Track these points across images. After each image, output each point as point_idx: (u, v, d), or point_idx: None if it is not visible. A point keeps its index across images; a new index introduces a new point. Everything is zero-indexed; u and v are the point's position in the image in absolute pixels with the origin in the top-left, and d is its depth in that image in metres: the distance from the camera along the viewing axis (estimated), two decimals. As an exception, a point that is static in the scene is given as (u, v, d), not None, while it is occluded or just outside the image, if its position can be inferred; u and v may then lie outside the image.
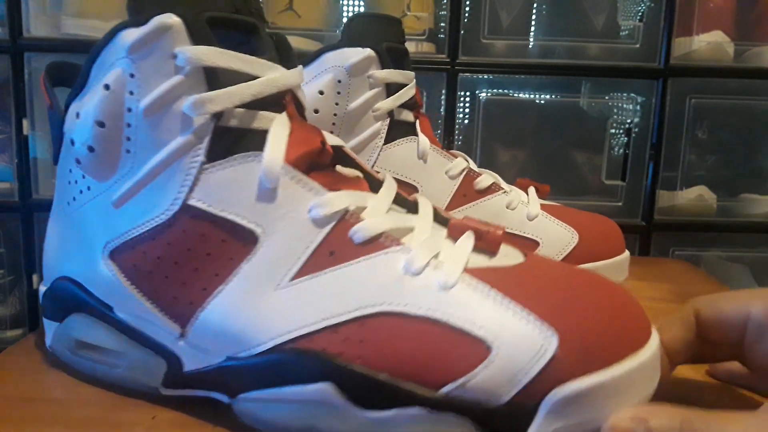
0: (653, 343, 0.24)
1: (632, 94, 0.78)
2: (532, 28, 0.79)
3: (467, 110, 0.79)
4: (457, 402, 0.23)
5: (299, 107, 0.30)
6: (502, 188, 0.47)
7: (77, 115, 0.28)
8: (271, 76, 0.28)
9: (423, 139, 0.46)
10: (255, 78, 0.27)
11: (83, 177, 0.29)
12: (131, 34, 0.26)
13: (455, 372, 0.23)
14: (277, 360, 0.25)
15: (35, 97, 0.74)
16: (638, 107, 0.77)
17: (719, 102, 0.78)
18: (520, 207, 0.46)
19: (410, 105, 0.47)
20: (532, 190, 0.49)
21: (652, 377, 0.24)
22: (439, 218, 0.30)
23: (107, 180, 0.28)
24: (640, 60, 0.75)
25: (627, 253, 0.48)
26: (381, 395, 0.24)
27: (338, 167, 0.31)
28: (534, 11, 0.78)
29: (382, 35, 0.45)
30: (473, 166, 0.48)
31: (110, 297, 0.29)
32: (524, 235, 0.45)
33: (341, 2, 0.79)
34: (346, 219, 0.27)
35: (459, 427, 0.23)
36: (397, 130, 0.46)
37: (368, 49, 0.43)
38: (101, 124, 0.27)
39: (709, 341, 0.29)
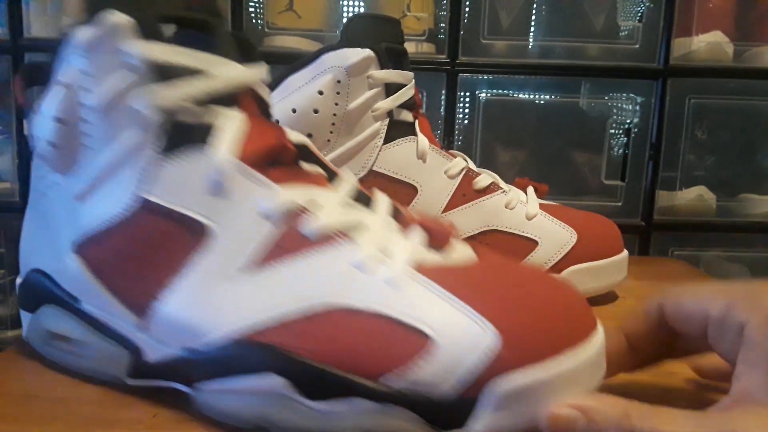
0: (596, 339, 0.25)
1: (632, 95, 0.78)
2: (532, 29, 0.79)
3: (467, 110, 0.79)
4: (400, 394, 0.23)
5: (262, 104, 0.30)
6: (501, 188, 0.47)
7: (38, 112, 0.29)
8: (225, 72, 0.28)
9: (422, 139, 0.46)
10: (209, 74, 0.28)
11: (52, 172, 0.30)
12: (85, 32, 0.27)
13: (396, 363, 0.23)
14: (228, 352, 0.26)
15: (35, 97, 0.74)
16: (638, 107, 0.77)
17: (719, 102, 0.78)
18: (519, 206, 0.46)
19: (409, 105, 0.47)
20: (530, 189, 0.49)
21: (594, 372, 0.25)
22: (396, 215, 0.30)
23: (71, 175, 0.29)
24: (640, 60, 0.75)
25: (625, 252, 0.49)
26: (326, 386, 0.24)
27: (302, 164, 0.30)
28: (534, 11, 0.78)
29: (380, 36, 0.45)
30: (472, 165, 0.48)
31: (76, 289, 0.30)
32: (523, 234, 0.45)
33: (341, 2, 0.80)
34: (295, 213, 0.27)
35: (405, 420, 0.23)
36: (397, 130, 0.46)
37: (367, 50, 0.44)
38: (60, 121, 0.28)
39: (679, 334, 0.28)
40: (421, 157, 0.46)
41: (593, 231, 0.47)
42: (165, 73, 0.27)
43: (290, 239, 0.26)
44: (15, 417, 0.28)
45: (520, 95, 0.82)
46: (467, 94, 0.79)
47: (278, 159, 0.29)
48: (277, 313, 0.25)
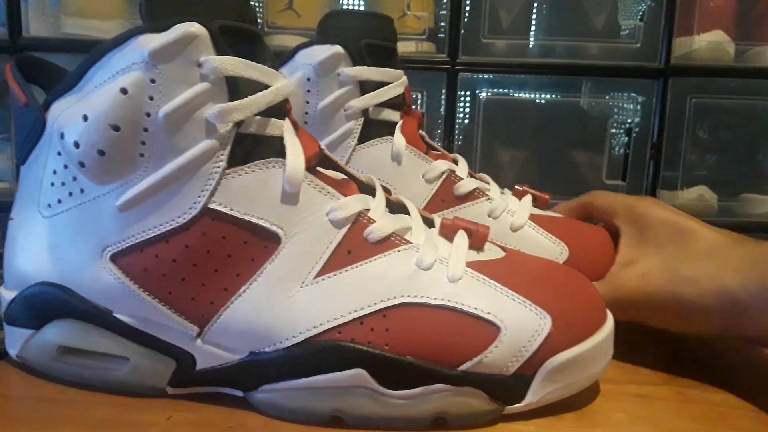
0: (610, 320, 0.31)
1: (633, 94, 0.78)
2: (532, 28, 0.78)
3: (467, 110, 0.79)
4: (474, 377, 0.27)
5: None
6: (486, 194, 0.43)
7: (84, 117, 0.27)
8: (279, 85, 0.29)
9: (398, 140, 0.43)
10: (266, 86, 0.28)
11: (74, 179, 0.29)
12: (152, 40, 0.26)
13: (472, 351, 0.27)
14: (307, 352, 0.27)
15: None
16: (639, 107, 0.77)
17: (720, 102, 0.78)
18: (504, 216, 0.43)
19: (394, 104, 0.44)
20: (526, 198, 0.45)
21: (610, 347, 0.30)
22: (423, 218, 0.33)
23: (111, 183, 0.28)
24: (641, 60, 0.75)
25: None
26: (408, 376, 0.27)
27: (319, 168, 0.31)
28: (534, 11, 0.78)
29: (361, 32, 0.43)
30: (461, 169, 0.45)
31: (109, 301, 0.29)
32: (506, 247, 0.39)
33: (341, 2, 0.79)
34: (359, 220, 0.29)
35: (475, 398, 0.27)
36: (375, 130, 0.43)
37: (337, 46, 0.41)
38: (116, 128, 0.27)
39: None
40: (396, 158, 0.43)
41: (590, 246, 0.42)
42: (236, 86, 0.27)
43: (357, 245, 0.29)
44: (29, 420, 0.28)
45: (521, 95, 0.82)
46: (467, 93, 0.79)
47: (312, 165, 0.30)
48: (352, 312, 0.28)
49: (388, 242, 0.29)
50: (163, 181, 0.27)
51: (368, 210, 0.30)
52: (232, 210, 0.27)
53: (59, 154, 0.29)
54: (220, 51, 0.27)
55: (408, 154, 0.44)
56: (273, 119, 0.29)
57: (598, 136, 0.79)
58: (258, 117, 0.28)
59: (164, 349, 0.29)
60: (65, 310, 0.30)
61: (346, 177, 0.32)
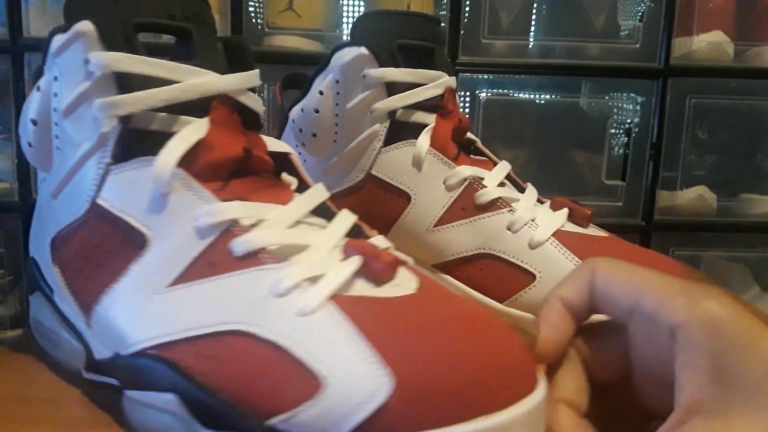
0: (524, 406, 0.20)
1: (632, 94, 0.78)
2: (532, 28, 0.78)
3: (467, 110, 0.79)
4: None
5: (244, 112, 0.30)
6: (510, 206, 0.41)
7: (21, 112, 0.31)
8: (192, 81, 0.27)
9: (420, 144, 0.42)
10: (173, 82, 0.27)
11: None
12: (58, 40, 0.28)
13: (285, 404, 0.21)
14: (140, 364, 0.26)
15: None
16: (638, 107, 0.77)
17: (719, 102, 0.78)
18: (524, 230, 0.39)
19: (429, 107, 0.43)
20: (560, 212, 0.41)
21: None
22: (358, 235, 0.28)
23: (49, 172, 0.31)
24: (640, 60, 0.75)
25: None
26: (217, 415, 0.23)
27: (284, 175, 0.31)
28: (534, 11, 0.78)
29: (394, 32, 0.42)
30: (493, 177, 0.42)
31: (52, 282, 0.32)
32: (520, 264, 0.39)
33: (341, 2, 0.79)
34: (231, 230, 0.26)
35: None
36: (404, 132, 0.42)
37: (362, 47, 0.41)
38: (35, 123, 0.30)
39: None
40: (416, 163, 0.42)
41: None
42: (124, 81, 0.27)
43: (222, 257, 0.25)
44: (6, 418, 0.28)
45: (521, 95, 0.82)
46: (467, 93, 0.79)
47: (246, 170, 0.28)
48: (189, 330, 0.24)
49: (255, 259, 0.25)
50: (68, 174, 0.29)
51: (261, 220, 0.26)
52: (112, 207, 0.28)
53: None
54: (114, 47, 0.27)
55: (430, 159, 0.42)
56: (181, 117, 0.28)
57: (597, 136, 0.79)
58: (158, 114, 0.27)
59: (76, 334, 0.31)
60: (36, 284, 0.33)
61: (294, 186, 0.31)
